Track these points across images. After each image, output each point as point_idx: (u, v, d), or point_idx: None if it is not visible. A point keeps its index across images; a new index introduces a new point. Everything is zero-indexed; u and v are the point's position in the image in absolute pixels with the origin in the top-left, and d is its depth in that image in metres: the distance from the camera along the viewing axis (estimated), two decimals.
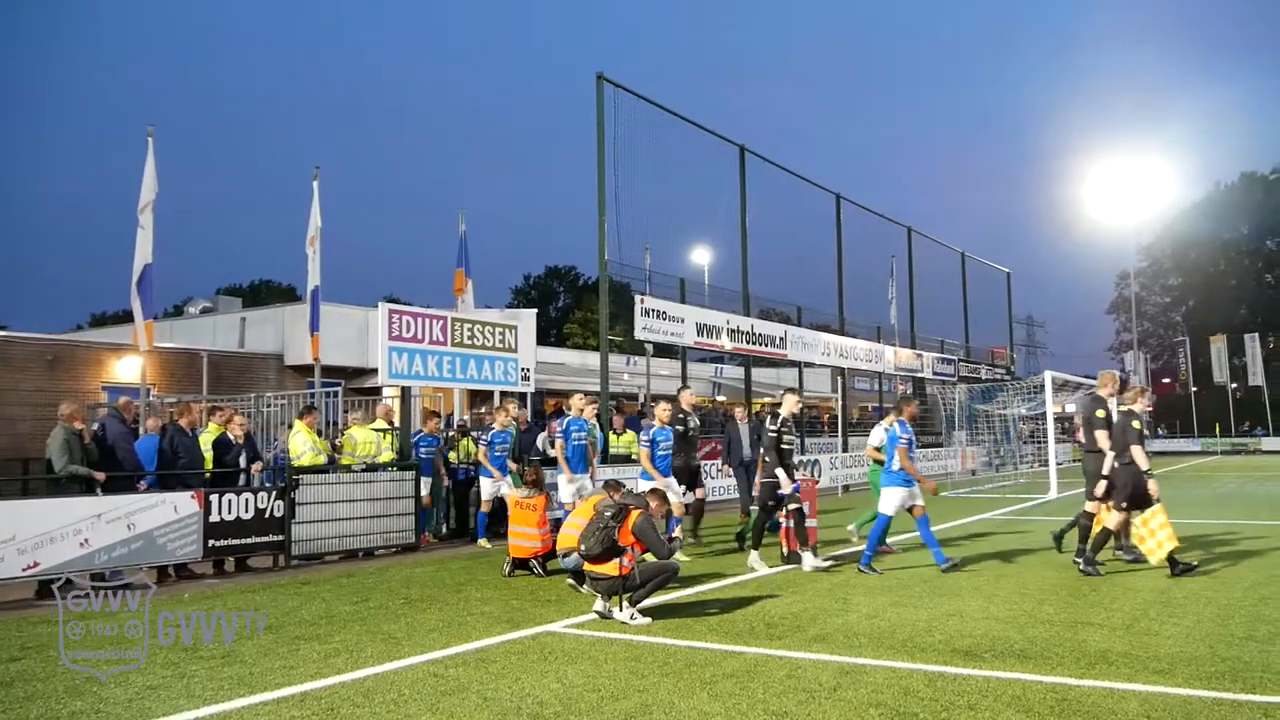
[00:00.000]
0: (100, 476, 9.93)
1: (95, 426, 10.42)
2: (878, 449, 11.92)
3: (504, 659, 6.42)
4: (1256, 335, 62.64)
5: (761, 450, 10.79)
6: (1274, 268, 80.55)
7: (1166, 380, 76.55)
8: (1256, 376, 59.73)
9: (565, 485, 11.85)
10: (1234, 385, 61.16)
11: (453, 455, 14.67)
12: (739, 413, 14.55)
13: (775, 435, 10.50)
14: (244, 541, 10.89)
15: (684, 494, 11.83)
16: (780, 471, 10.39)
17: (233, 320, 27.50)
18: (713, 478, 17.45)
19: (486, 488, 12.96)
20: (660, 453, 11.44)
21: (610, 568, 7.65)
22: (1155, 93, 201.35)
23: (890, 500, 10.12)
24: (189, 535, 10.27)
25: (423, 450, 13.61)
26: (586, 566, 7.83)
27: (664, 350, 26.19)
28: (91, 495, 9.76)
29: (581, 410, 12.15)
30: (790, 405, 10.98)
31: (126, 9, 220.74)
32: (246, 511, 10.87)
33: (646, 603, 7.80)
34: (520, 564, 10.17)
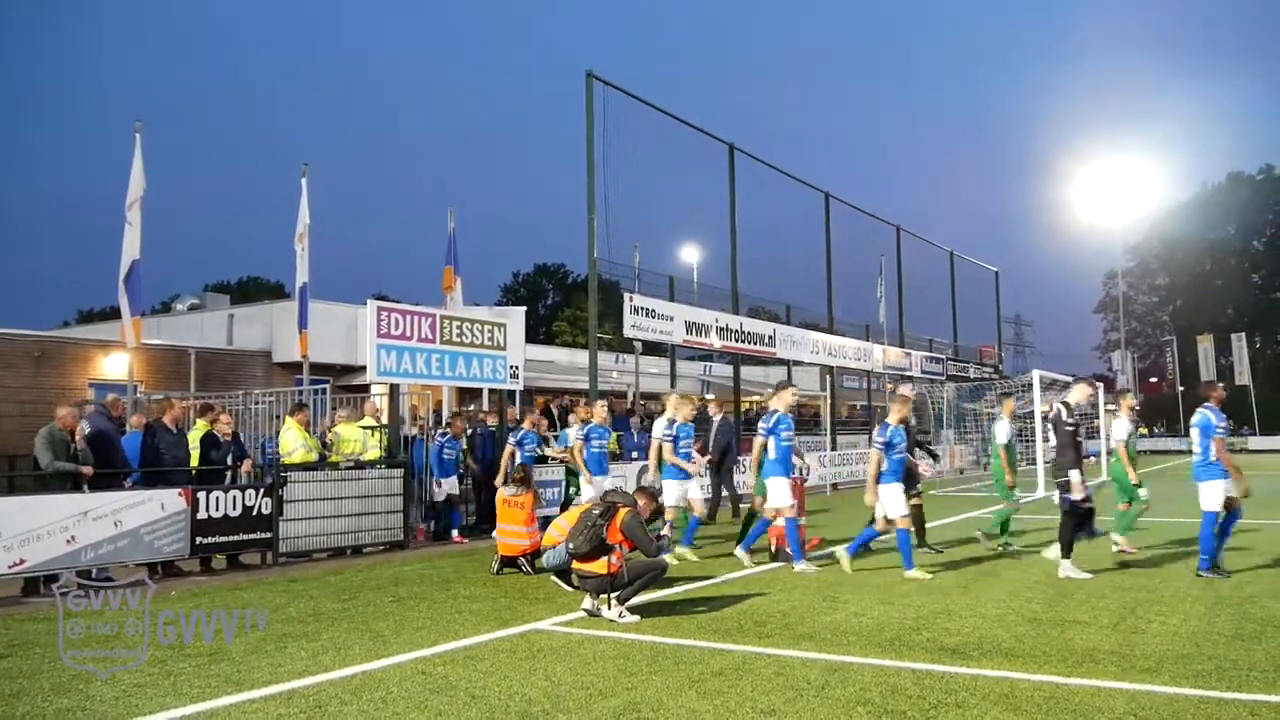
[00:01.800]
0: (87, 471, 9.88)
1: (84, 426, 10.34)
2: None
3: (492, 657, 6.41)
4: (1243, 335, 62.93)
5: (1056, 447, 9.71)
6: (1260, 268, 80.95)
7: (1154, 380, 76.91)
8: (1243, 376, 60.01)
9: (586, 489, 11.91)
10: (1221, 384, 61.40)
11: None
12: (713, 408, 14.48)
13: (1072, 428, 9.43)
14: (232, 539, 10.85)
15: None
16: (1075, 474, 9.24)
17: (221, 317, 27.38)
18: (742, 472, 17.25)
19: (585, 491, 12.09)
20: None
21: (599, 566, 7.64)
22: (1143, 93, 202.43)
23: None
24: (176, 533, 10.23)
25: (445, 451, 13.66)
26: (575, 565, 7.83)
27: (653, 348, 26.23)
28: (79, 492, 9.71)
29: (605, 419, 12.34)
30: (1081, 395, 9.82)
31: (116, 5, 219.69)
32: (234, 509, 10.83)
33: (635, 600, 7.80)
34: (509, 562, 10.16)
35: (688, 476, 11.32)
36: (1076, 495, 9.16)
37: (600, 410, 12.49)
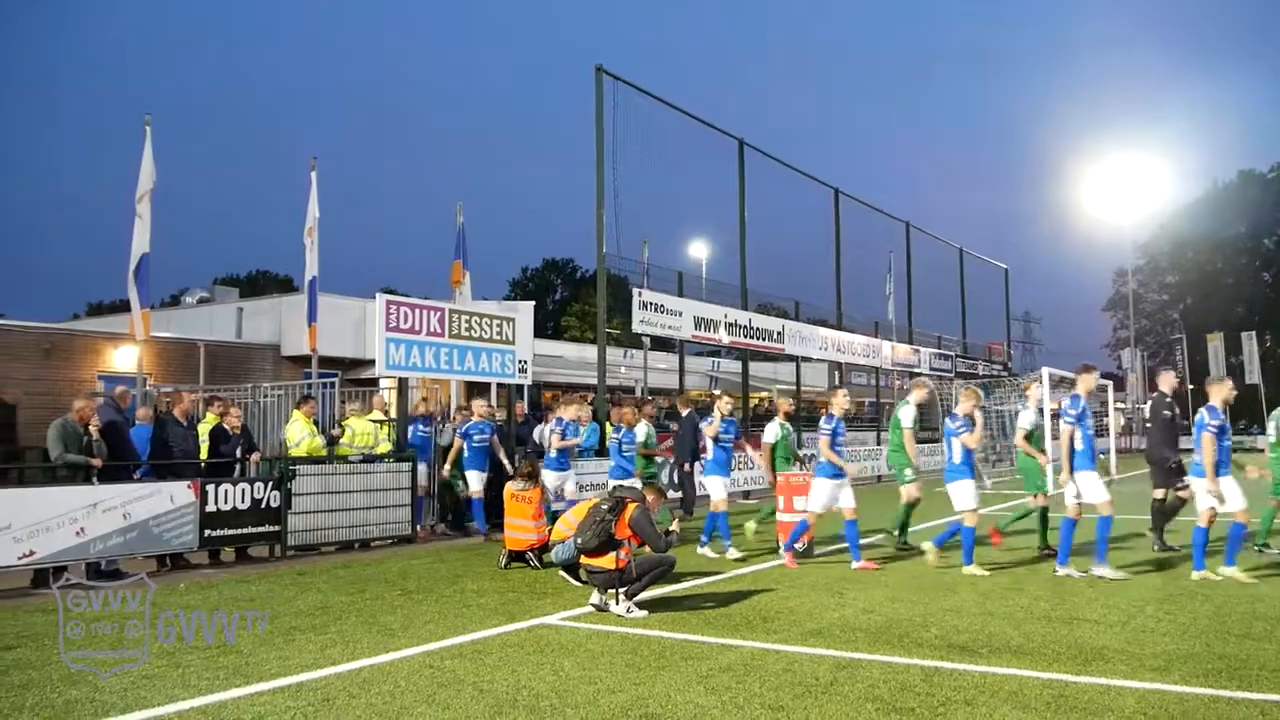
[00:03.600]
0: (97, 463, 9.89)
1: (98, 420, 10.36)
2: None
3: (500, 651, 6.42)
4: (1253, 334, 62.54)
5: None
6: (1271, 266, 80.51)
7: (1210, 378, 76.43)
8: (1253, 375, 59.68)
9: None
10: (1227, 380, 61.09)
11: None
12: (681, 405, 14.34)
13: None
14: (240, 532, 10.87)
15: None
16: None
17: (230, 310, 27.44)
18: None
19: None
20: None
21: (607, 561, 7.64)
22: (1154, 91, 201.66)
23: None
24: (185, 525, 10.24)
25: (475, 440, 13.13)
26: (583, 560, 7.82)
27: (661, 344, 26.19)
28: (88, 484, 9.73)
29: (632, 423, 12.41)
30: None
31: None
32: (243, 501, 10.85)
33: (643, 596, 7.80)
34: (517, 556, 10.16)
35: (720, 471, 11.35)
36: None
37: (630, 416, 12.68)
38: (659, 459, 14.20)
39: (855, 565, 9.86)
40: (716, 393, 32.97)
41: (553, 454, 12.13)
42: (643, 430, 12.79)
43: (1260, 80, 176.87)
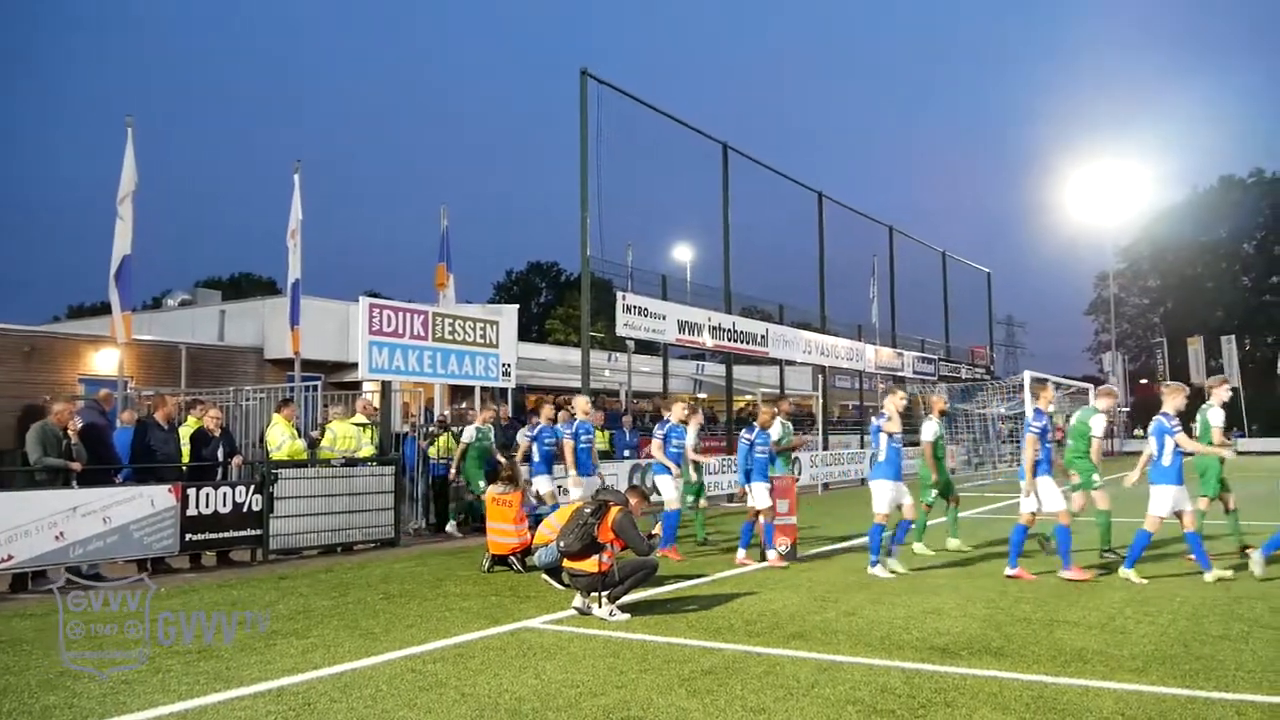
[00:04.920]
0: (76, 466, 9.83)
1: (77, 421, 10.28)
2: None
3: (482, 654, 6.41)
4: (1233, 337, 63.07)
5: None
6: (1250, 271, 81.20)
7: (1144, 381, 77.04)
8: (1233, 378, 60.03)
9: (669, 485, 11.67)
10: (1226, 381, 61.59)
11: (432, 451, 14.63)
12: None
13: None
14: (221, 536, 10.82)
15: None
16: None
17: (212, 313, 27.29)
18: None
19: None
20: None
21: (589, 564, 7.64)
22: (1135, 95, 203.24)
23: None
24: (165, 529, 10.19)
25: (582, 440, 12.23)
26: (565, 563, 7.82)
27: (646, 347, 26.21)
28: (67, 488, 9.67)
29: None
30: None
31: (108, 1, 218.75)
32: (224, 505, 10.80)
33: (625, 599, 7.80)
34: (499, 560, 10.15)
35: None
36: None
37: (680, 411, 11.98)
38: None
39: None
40: (703, 396, 33.05)
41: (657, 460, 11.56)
42: (778, 429, 12.15)
43: (1242, 85, 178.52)
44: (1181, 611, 7.62)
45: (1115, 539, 10.51)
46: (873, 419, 10.51)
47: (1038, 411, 9.63)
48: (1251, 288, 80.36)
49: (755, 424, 11.39)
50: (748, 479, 10.94)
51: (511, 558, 10.09)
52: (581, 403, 12.49)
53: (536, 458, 12.31)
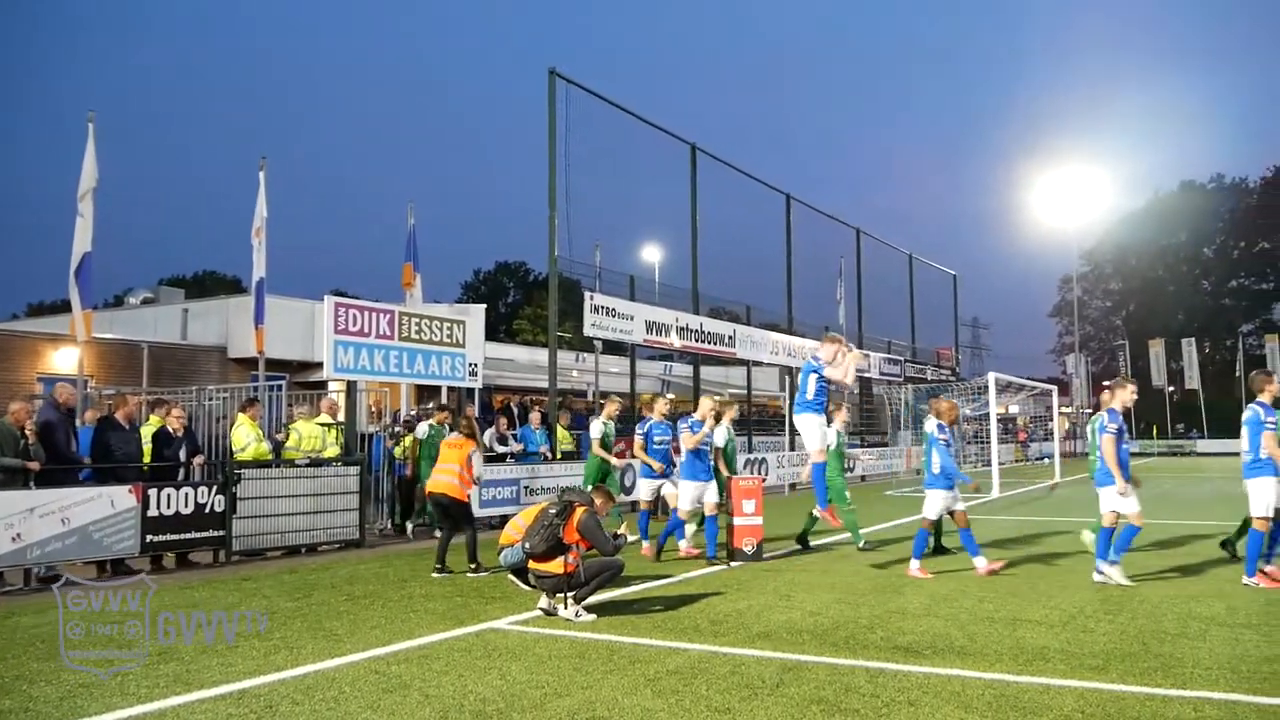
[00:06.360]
0: (34, 466, 9.66)
1: (34, 421, 10.11)
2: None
3: (447, 656, 6.37)
4: (1193, 340, 64.21)
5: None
6: (1210, 274, 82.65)
7: (1106, 383, 78.20)
8: (1193, 380, 61.23)
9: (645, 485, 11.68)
10: (1171, 389, 62.65)
11: (398, 451, 14.54)
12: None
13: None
14: (183, 537, 10.68)
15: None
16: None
17: (175, 311, 26.95)
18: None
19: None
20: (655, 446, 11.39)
21: (555, 565, 7.61)
22: (1100, 101, 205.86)
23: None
24: (126, 530, 10.04)
25: (656, 441, 11.61)
26: (531, 565, 7.79)
27: (613, 347, 26.18)
28: (25, 489, 9.51)
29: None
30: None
31: None
32: (186, 506, 10.66)
33: (591, 599, 7.79)
34: (437, 503, 10.43)
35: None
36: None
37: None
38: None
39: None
40: (671, 397, 33.08)
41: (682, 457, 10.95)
42: (722, 434, 11.92)
43: (1203, 92, 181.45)
44: (1141, 610, 7.72)
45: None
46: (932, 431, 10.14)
47: (1112, 412, 9.19)
48: (1211, 291, 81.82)
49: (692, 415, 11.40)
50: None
51: (447, 500, 10.23)
52: (661, 405, 11.90)
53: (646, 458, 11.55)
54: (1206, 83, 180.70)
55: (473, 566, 10.00)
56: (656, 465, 11.41)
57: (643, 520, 11.46)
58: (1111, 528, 9.03)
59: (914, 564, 9.65)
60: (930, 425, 10.22)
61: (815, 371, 9.76)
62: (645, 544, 11.17)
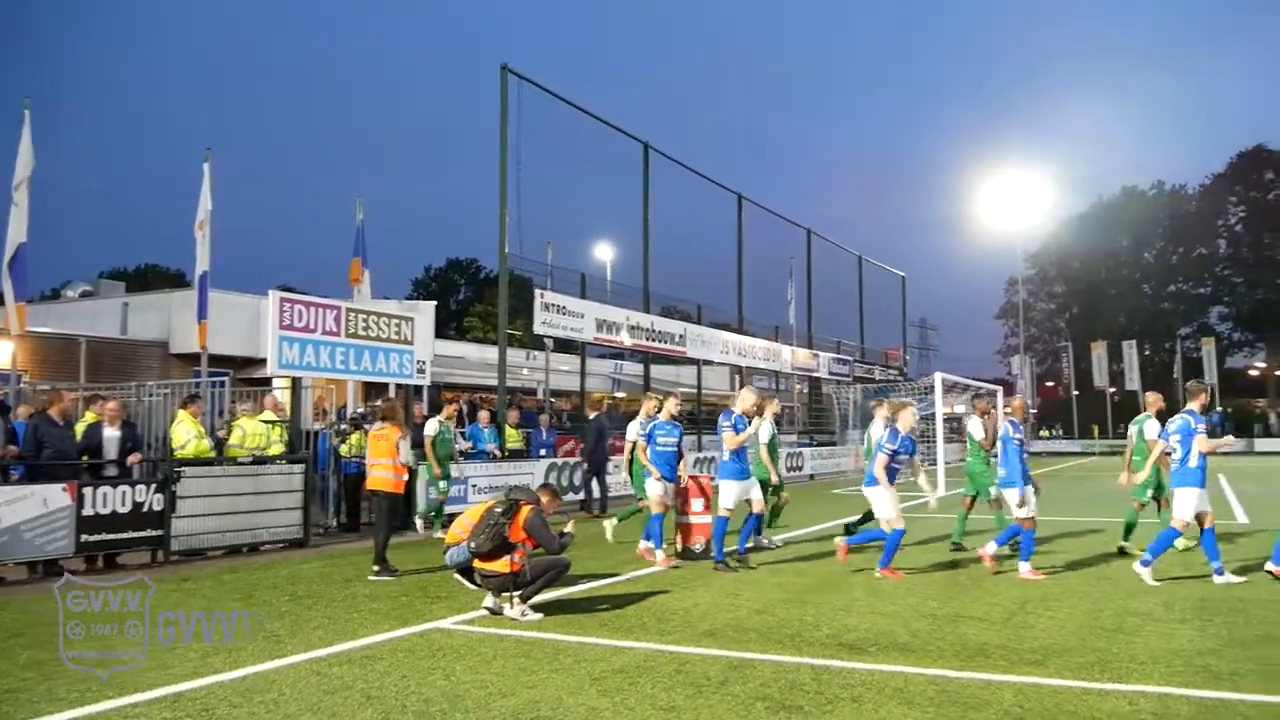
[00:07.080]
0: None
1: None
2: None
3: (390, 656, 6.29)
4: (1134, 342, 65.54)
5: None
6: (1151, 278, 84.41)
7: (1050, 384, 79.62)
8: (1133, 382, 62.46)
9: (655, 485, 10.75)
10: (1113, 390, 63.88)
11: (344, 449, 14.36)
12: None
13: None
14: (120, 536, 10.44)
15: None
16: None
17: (115, 305, 26.34)
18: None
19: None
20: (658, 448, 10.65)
21: (501, 564, 7.55)
22: (1043, 106, 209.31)
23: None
24: (59, 530, 9.79)
25: (659, 443, 10.77)
26: (477, 564, 7.72)
27: (564, 345, 26.13)
28: None
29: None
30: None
31: None
32: (123, 505, 10.42)
33: (537, 598, 7.74)
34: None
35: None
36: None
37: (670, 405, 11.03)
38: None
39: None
40: (620, 395, 33.05)
41: (725, 457, 10.14)
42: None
43: (1144, 98, 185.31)
44: (1079, 606, 7.85)
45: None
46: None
47: (1197, 415, 9.03)
48: (1151, 295, 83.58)
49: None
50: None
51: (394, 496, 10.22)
52: (671, 404, 11.00)
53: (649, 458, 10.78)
54: (1150, 91, 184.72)
55: (376, 569, 9.74)
56: (655, 473, 10.54)
57: (654, 525, 10.59)
58: (1211, 528, 8.91)
59: (1024, 566, 9.42)
60: (1001, 426, 10.09)
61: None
62: (659, 552, 10.47)
